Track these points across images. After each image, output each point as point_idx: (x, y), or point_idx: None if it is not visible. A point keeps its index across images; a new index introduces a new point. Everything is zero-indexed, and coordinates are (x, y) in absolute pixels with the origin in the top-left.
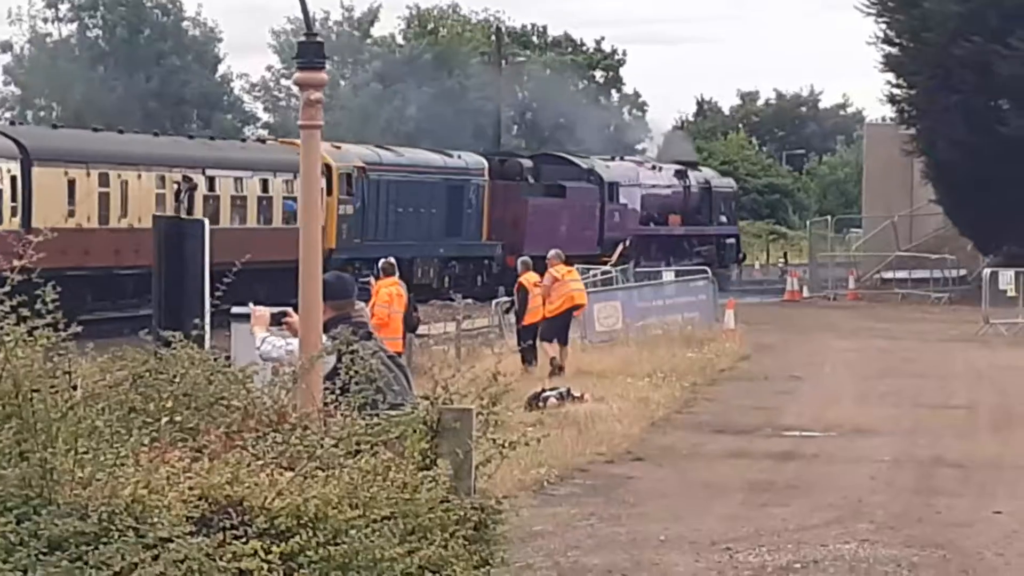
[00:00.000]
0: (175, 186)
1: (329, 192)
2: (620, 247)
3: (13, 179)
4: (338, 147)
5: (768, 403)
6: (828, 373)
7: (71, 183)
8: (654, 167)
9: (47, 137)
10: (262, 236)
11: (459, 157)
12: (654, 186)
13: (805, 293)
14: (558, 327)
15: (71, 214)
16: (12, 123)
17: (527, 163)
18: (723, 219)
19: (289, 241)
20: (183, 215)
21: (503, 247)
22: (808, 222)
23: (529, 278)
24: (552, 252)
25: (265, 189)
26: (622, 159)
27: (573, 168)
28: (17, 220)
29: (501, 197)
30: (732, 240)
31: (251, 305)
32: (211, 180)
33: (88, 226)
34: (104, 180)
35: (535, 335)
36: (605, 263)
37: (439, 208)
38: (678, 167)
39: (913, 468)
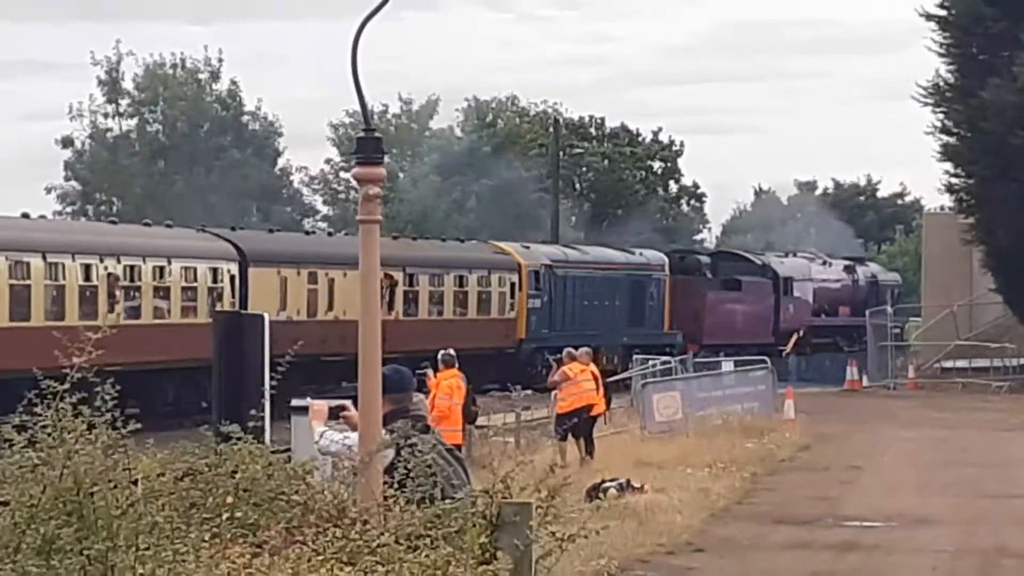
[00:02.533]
0: None
1: (520, 288)
2: (795, 337)
3: (232, 278)
4: (527, 247)
5: (829, 493)
6: (888, 463)
7: (283, 281)
8: (825, 262)
9: (262, 241)
10: (456, 327)
11: (640, 254)
12: (825, 280)
13: (865, 382)
14: (567, 424)
15: (283, 308)
16: (232, 228)
17: (705, 259)
18: (889, 310)
19: (484, 330)
20: (385, 309)
21: (684, 336)
22: (867, 311)
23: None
24: (576, 350)
25: (461, 284)
26: (795, 255)
27: (749, 264)
28: None
29: (682, 290)
30: (898, 330)
31: (309, 399)
32: (411, 277)
33: (298, 319)
34: (313, 278)
35: (590, 424)
36: (781, 353)
37: (622, 300)
38: (847, 262)
39: (976, 558)
